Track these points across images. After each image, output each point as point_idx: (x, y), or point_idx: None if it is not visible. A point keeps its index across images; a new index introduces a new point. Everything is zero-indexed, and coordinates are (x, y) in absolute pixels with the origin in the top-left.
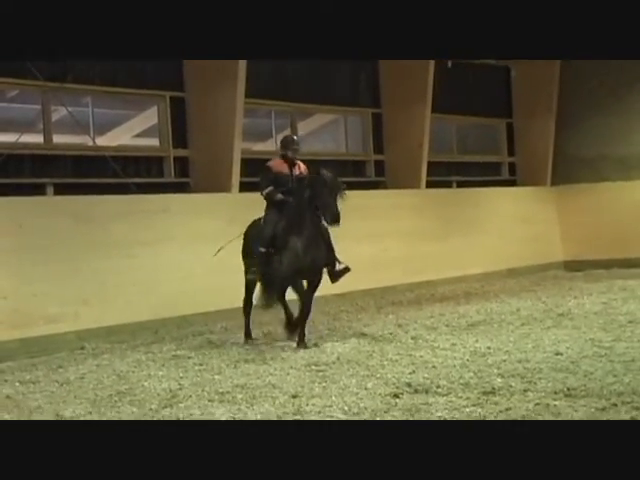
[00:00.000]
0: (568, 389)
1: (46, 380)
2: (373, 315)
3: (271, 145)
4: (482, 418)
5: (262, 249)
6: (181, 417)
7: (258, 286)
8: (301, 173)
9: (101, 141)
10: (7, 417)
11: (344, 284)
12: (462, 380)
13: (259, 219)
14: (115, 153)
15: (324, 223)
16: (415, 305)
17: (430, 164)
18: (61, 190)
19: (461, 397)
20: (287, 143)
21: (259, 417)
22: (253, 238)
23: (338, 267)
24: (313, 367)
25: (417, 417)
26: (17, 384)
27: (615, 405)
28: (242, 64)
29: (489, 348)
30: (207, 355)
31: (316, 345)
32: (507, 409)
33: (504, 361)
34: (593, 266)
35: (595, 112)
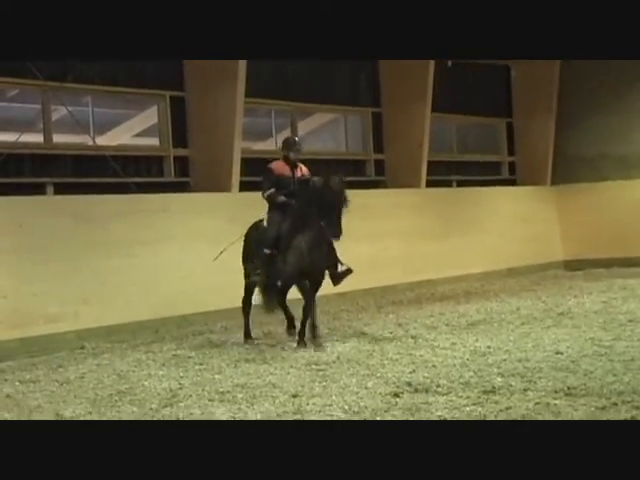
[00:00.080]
0: (568, 388)
1: (46, 379)
2: (373, 314)
3: (271, 144)
4: (482, 417)
5: (267, 250)
6: (181, 417)
7: (258, 289)
8: (303, 175)
9: (101, 141)
10: (7, 416)
11: (344, 283)
12: (462, 379)
13: (260, 221)
14: (115, 153)
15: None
16: (415, 304)
17: (430, 163)
18: (61, 190)
19: (461, 396)
20: (289, 145)
21: (259, 416)
22: (254, 240)
23: (340, 269)
24: (313, 366)
25: (417, 416)
26: (17, 383)
27: (615, 404)
28: (242, 64)
29: (489, 347)
30: (207, 354)
31: (321, 346)
32: (507, 408)
33: (504, 360)
34: (593, 265)
35: (595, 111)
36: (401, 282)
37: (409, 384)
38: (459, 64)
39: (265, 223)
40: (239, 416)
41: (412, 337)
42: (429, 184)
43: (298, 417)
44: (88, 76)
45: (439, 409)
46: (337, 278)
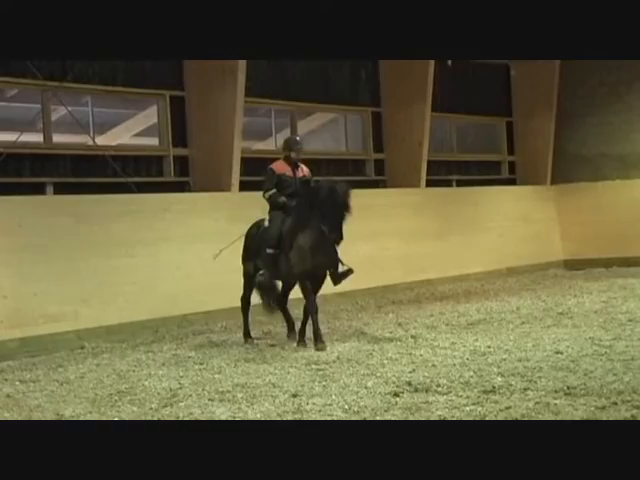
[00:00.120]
0: (568, 388)
1: (46, 379)
2: (373, 314)
3: (271, 144)
4: (482, 417)
5: (270, 250)
6: (181, 416)
7: (258, 291)
8: (304, 175)
9: (101, 140)
10: (7, 416)
11: (344, 283)
12: (462, 379)
13: (261, 220)
14: (115, 152)
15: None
16: (415, 304)
17: (430, 163)
18: (61, 189)
19: (461, 396)
20: (290, 144)
21: (259, 416)
22: (255, 239)
23: (341, 269)
24: (313, 366)
25: (417, 416)
26: (17, 383)
27: (615, 404)
28: (242, 63)
29: (489, 347)
30: (207, 354)
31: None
32: (507, 408)
33: (504, 360)
34: (593, 265)
35: (595, 111)
36: (401, 282)
37: (409, 384)
38: (459, 63)
39: (266, 223)
40: (239, 416)
41: (412, 337)
42: (429, 184)
43: (298, 417)
44: (88, 76)
45: (439, 409)
46: (338, 278)
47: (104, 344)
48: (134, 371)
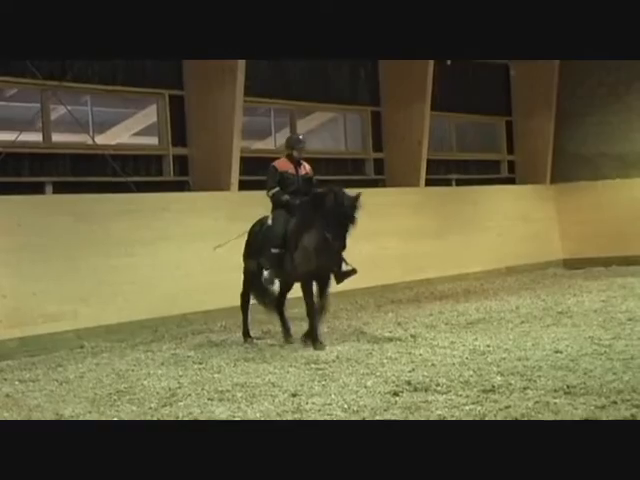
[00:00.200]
0: (568, 387)
1: (45, 379)
2: (372, 313)
3: (270, 143)
4: (482, 416)
5: (274, 250)
6: (180, 416)
7: (256, 293)
8: (307, 173)
9: (100, 140)
10: (6, 416)
11: (344, 283)
12: (462, 378)
13: (265, 218)
14: (114, 152)
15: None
16: (414, 303)
17: (429, 162)
18: (60, 189)
19: (461, 395)
20: (293, 142)
21: (259, 416)
22: (258, 237)
23: (345, 268)
24: (313, 365)
25: (417, 415)
26: (16, 383)
27: (615, 403)
28: (242, 63)
29: (488, 346)
30: (206, 354)
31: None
32: (507, 407)
33: (503, 359)
34: (592, 264)
35: (594, 110)
36: (400, 281)
37: (408, 383)
38: (458, 63)
39: (270, 221)
40: (238, 415)
41: (411, 336)
42: (428, 183)
43: (297, 416)
44: (87, 75)
45: (438, 408)
46: (340, 277)
47: (103, 343)
48: (133, 370)
